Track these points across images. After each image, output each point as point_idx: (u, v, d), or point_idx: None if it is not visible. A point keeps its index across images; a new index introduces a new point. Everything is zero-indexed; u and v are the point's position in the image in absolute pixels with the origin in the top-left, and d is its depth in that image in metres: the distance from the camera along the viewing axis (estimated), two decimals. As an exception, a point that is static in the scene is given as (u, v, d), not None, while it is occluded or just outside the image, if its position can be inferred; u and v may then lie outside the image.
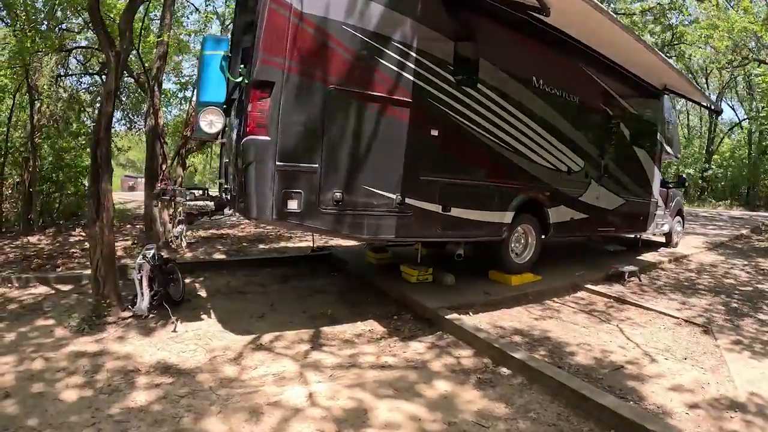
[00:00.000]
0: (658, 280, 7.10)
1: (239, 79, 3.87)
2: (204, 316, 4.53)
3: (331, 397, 3.06)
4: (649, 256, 8.71)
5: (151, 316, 4.37)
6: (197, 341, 3.89)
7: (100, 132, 4.17)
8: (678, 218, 9.68)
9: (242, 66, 3.93)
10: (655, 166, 8.01)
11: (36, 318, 4.37)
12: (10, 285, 5.38)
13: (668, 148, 8.71)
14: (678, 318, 5.17)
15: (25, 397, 2.97)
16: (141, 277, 4.20)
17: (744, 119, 24.92)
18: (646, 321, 5.10)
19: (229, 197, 4.52)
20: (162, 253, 6.52)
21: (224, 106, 4.06)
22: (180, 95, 11.48)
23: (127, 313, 4.30)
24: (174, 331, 4.09)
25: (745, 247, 10.81)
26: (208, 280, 5.82)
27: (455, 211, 4.71)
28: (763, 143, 11.18)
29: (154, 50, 8.07)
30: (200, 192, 4.53)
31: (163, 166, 7.68)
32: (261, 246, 8.33)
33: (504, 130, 5.08)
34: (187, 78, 12.79)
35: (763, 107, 10.92)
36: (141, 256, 4.28)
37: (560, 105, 5.80)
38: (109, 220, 4.25)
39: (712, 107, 9.10)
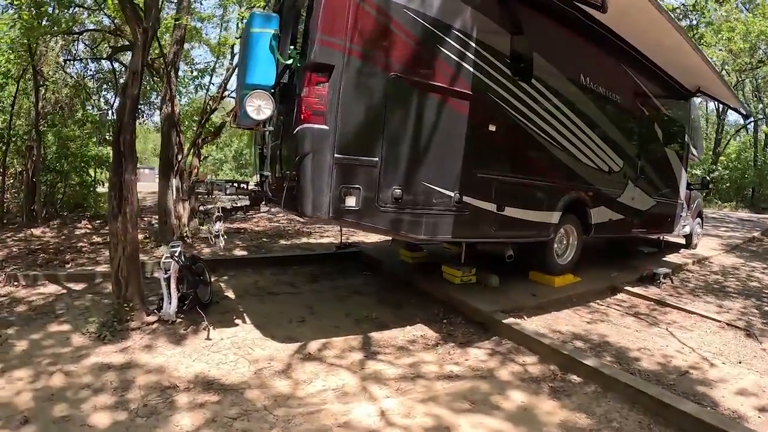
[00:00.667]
0: (689, 282, 7.21)
1: (290, 61, 3.69)
2: (238, 321, 4.19)
3: (406, 415, 2.91)
4: (673, 258, 8.86)
5: (178, 320, 4.05)
6: (236, 350, 3.63)
7: (124, 117, 3.84)
8: (698, 220, 9.90)
9: (291, 47, 3.77)
10: (682, 168, 8.17)
11: (49, 322, 4.02)
12: (16, 283, 4.97)
13: (693, 150, 8.90)
14: (720, 321, 5.26)
15: (47, 422, 2.59)
16: (168, 277, 3.92)
17: (750, 121, 25.38)
18: (691, 324, 5.17)
19: (267, 191, 4.35)
20: (191, 252, 6.41)
21: (272, 91, 3.73)
22: (196, 82, 11.14)
23: (152, 318, 4.01)
24: (207, 338, 3.80)
25: (760, 249, 11.01)
26: (234, 279, 5.63)
27: (508, 211, 4.65)
28: None
29: (171, 34, 7.83)
30: (237, 185, 4.42)
31: (179, 156, 7.50)
32: (282, 242, 8.16)
33: (554, 127, 5.05)
34: (203, 64, 12.47)
35: None
36: (167, 255, 3.97)
37: (603, 104, 5.82)
38: (134, 215, 3.94)
39: (743, 111, 9.26)
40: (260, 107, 3.62)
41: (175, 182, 7.44)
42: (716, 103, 8.84)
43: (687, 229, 9.23)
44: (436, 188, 4.02)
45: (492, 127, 4.39)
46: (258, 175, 5.05)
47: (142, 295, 4.23)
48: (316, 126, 3.39)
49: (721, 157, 26.12)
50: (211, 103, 8.81)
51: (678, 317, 5.39)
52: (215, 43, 9.88)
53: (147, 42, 4.26)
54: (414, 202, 3.86)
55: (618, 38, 5.73)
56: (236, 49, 9.07)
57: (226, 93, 9.36)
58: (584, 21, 5.11)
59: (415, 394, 3.21)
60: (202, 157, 8.80)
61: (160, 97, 9.18)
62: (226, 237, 4.15)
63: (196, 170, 8.03)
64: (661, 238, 9.06)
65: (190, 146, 8.38)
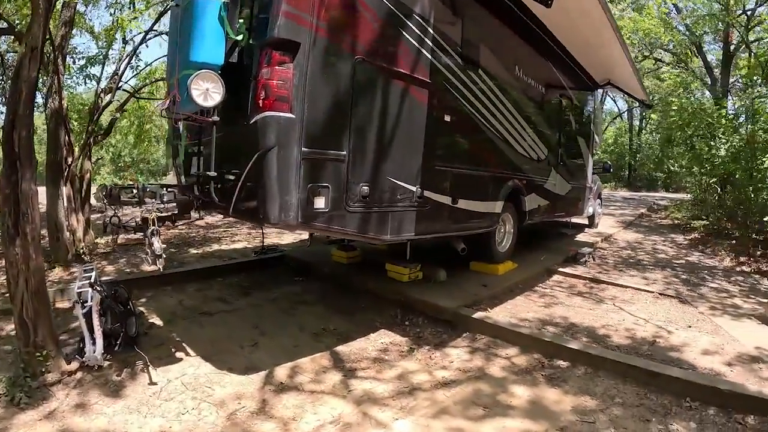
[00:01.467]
0: (607, 259, 8.42)
1: (239, 37, 3.53)
2: (180, 354, 3.89)
3: None
4: (583, 238, 10.31)
5: (107, 364, 3.60)
6: (193, 393, 3.31)
7: (19, 108, 3.16)
8: (598, 201, 11.79)
9: (241, 20, 3.54)
10: (589, 154, 9.86)
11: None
12: None
13: (597, 138, 10.74)
14: (653, 292, 6.25)
15: None
16: (88, 311, 3.43)
17: (625, 110, 30.99)
18: (630, 297, 6.04)
19: (212, 194, 4.00)
20: (109, 277, 5.58)
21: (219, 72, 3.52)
22: (84, 72, 10.05)
23: (74, 365, 3.50)
24: (151, 383, 3.41)
25: (652, 224, 13.34)
26: (154, 300, 5.24)
27: (461, 203, 5.03)
28: (668, 133, 14.49)
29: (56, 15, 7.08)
30: (170, 190, 3.96)
31: (69, 159, 6.93)
32: (192, 251, 7.73)
33: (496, 117, 5.63)
34: (89, 53, 11.63)
35: (672, 102, 14.15)
36: (81, 283, 3.48)
37: (532, 95, 6.69)
38: (36, 236, 3.32)
39: (647, 102, 11.27)
40: (208, 91, 3.32)
41: (65, 190, 6.87)
42: (623, 94, 10.71)
43: (590, 210, 10.84)
44: (400, 183, 4.14)
45: (447, 118, 4.71)
46: (180, 177, 4.67)
47: (56, 337, 3.57)
48: (280, 114, 3.27)
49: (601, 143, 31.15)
50: (102, 95, 8.21)
51: (616, 292, 6.24)
52: (105, 27, 9.16)
53: (50, 8, 3.62)
54: (380, 199, 3.96)
55: (545, 32, 6.61)
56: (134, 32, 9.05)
57: (122, 83, 8.84)
58: (518, 13, 5.78)
59: (423, 410, 3.21)
60: (94, 159, 8.35)
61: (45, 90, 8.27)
62: (164, 256, 3.67)
63: (88, 175, 7.52)
64: (569, 219, 10.49)
65: (82, 147, 7.60)
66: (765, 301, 5.85)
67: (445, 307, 4.81)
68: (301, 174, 3.36)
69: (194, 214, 4.11)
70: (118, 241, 7.42)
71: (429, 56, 4.34)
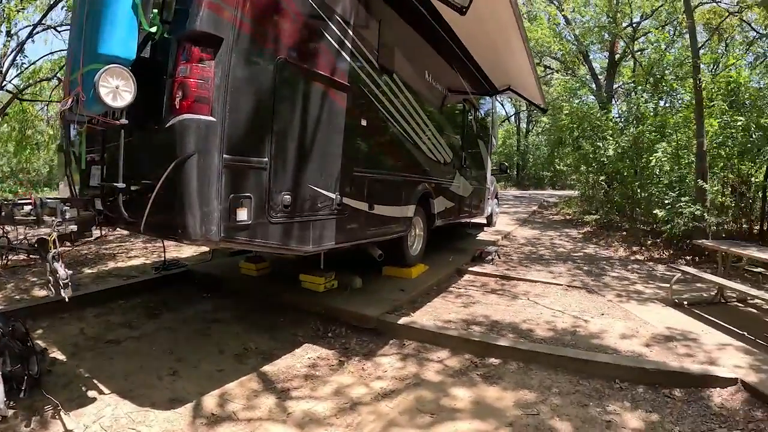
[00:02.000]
0: (511, 256, 9.15)
1: (153, 29, 3.32)
2: (93, 393, 3.55)
3: None
4: (485, 237, 11.09)
5: (11, 413, 3.16)
6: (122, 430, 3.11)
7: None
8: (495, 200, 12.89)
9: (155, 11, 3.34)
10: (488, 157, 10.91)
11: None
12: None
13: (494, 140, 11.87)
14: (562, 285, 6.94)
15: None
16: None
17: (513, 113, 34.42)
18: (542, 291, 6.64)
19: (106, 210, 3.78)
20: None
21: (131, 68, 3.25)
22: None
23: None
24: (67, 431, 3.07)
25: (545, 221, 14.77)
26: (51, 330, 4.77)
27: (377, 209, 5.24)
28: (558, 135, 16.47)
29: None
30: (72, 207, 3.59)
31: None
32: (87, 270, 7.03)
33: (408, 122, 5.98)
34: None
35: (563, 106, 15.95)
36: None
37: (440, 99, 7.29)
38: None
39: (543, 107, 12.56)
40: (118, 89, 3.06)
41: None
42: (521, 98, 11.95)
43: (489, 210, 11.77)
44: (320, 191, 4.19)
45: (364, 122, 4.91)
46: (73, 189, 4.19)
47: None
48: (200, 117, 3.16)
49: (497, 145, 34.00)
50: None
51: (527, 287, 6.81)
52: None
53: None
54: (302, 208, 3.99)
55: (453, 39, 7.22)
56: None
57: (5, 83, 7.72)
58: (430, 20, 6.22)
59: (370, 425, 3.25)
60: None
61: None
62: (71, 283, 3.28)
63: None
64: (471, 220, 11.24)
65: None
66: (664, 285, 6.75)
67: (369, 315, 4.91)
68: (222, 183, 3.27)
69: (95, 232, 3.76)
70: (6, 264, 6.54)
71: (348, 59, 4.49)
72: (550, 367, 4.14)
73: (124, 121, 3.29)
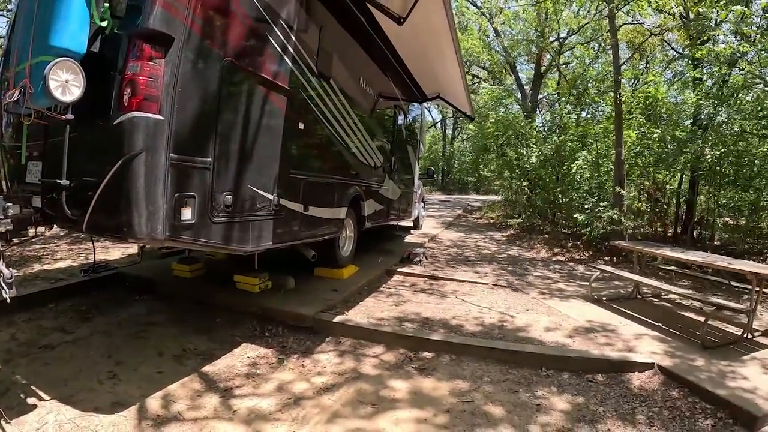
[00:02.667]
0: (438, 257, 9.50)
1: (104, 24, 3.33)
2: (32, 401, 3.43)
3: None
4: (411, 239, 11.40)
5: None
6: None
7: None
8: (422, 204, 13.40)
9: (106, 5, 3.33)
10: (416, 162, 11.42)
11: None
12: None
13: (421, 146, 12.40)
14: (488, 284, 7.35)
15: None
16: None
17: (439, 120, 37.33)
18: (469, 290, 6.99)
19: (46, 207, 3.72)
20: None
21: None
22: None
23: None
24: None
25: (470, 224, 15.40)
26: None
27: (312, 210, 5.43)
28: (484, 142, 17.41)
29: None
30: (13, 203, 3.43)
31: None
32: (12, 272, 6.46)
33: (342, 126, 6.21)
34: None
35: (489, 114, 16.78)
36: None
37: (372, 105, 7.60)
38: None
39: (471, 116, 13.12)
40: (68, 84, 3.05)
41: None
42: (450, 106, 12.46)
43: (416, 213, 12.14)
44: (259, 191, 4.33)
45: (301, 126, 5.09)
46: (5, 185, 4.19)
47: None
48: (149, 115, 3.22)
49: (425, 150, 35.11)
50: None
51: (455, 287, 7.14)
52: None
53: None
54: (242, 208, 4.13)
55: (388, 46, 7.57)
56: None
57: None
58: (367, 28, 6.47)
59: (316, 418, 3.39)
60: None
61: None
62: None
63: None
64: (398, 222, 11.56)
65: None
66: (584, 283, 7.30)
67: (304, 314, 5.04)
68: (168, 182, 3.34)
69: (30, 231, 3.64)
70: None
71: (290, 63, 4.65)
72: (481, 358, 4.45)
73: (70, 116, 3.28)
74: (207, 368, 4.13)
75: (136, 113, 3.18)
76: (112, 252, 8.06)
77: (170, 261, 6.86)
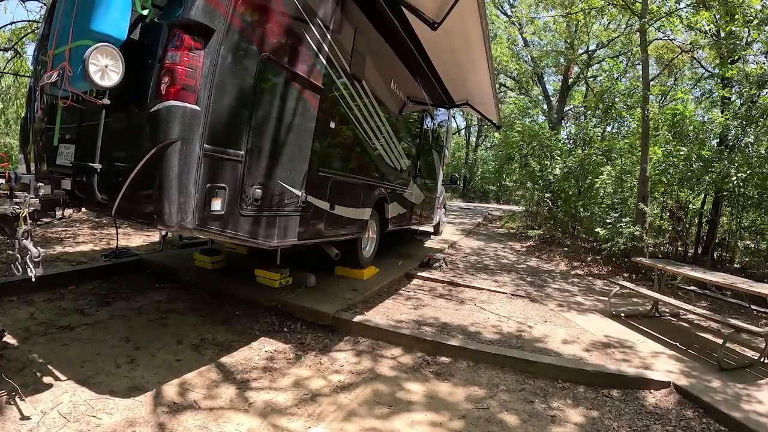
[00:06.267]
0: (457, 264, 9.50)
1: (145, 12, 3.40)
2: (48, 380, 3.49)
3: None
4: (431, 244, 11.42)
5: None
6: (78, 426, 3.02)
7: None
8: (443, 210, 13.39)
9: None
10: (441, 167, 11.46)
11: None
12: None
13: (447, 152, 12.44)
14: (506, 293, 7.34)
15: None
16: None
17: (464, 127, 36.91)
18: (488, 298, 7.00)
19: (77, 190, 3.79)
20: None
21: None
22: None
23: None
24: (23, 417, 3.02)
25: (490, 233, 15.36)
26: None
27: (338, 209, 5.50)
28: (508, 152, 17.50)
29: None
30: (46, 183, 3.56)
31: None
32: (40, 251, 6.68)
33: (372, 127, 6.28)
34: None
35: (515, 124, 16.86)
36: None
37: (401, 108, 7.65)
38: None
39: (498, 124, 13.12)
40: (107, 68, 3.10)
41: None
42: (477, 113, 12.45)
43: (437, 218, 12.17)
44: (288, 187, 4.38)
45: (332, 125, 5.16)
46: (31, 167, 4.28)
47: None
48: (186, 105, 3.26)
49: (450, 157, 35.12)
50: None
51: (473, 294, 7.16)
52: None
53: None
54: (271, 203, 4.17)
55: (420, 51, 7.66)
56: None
57: None
58: (400, 31, 6.52)
59: (332, 415, 3.43)
60: None
61: None
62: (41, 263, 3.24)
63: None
64: (419, 227, 11.60)
65: None
66: (603, 298, 7.27)
67: (324, 312, 5.09)
68: (201, 173, 3.39)
69: (58, 213, 3.76)
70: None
71: (324, 63, 4.70)
72: (498, 366, 4.47)
73: (106, 101, 3.35)
74: (225, 359, 4.19)
75: (173, 102, 3.22)
76: (134, 239, 8.20)
77: (191, 251, 6.94)
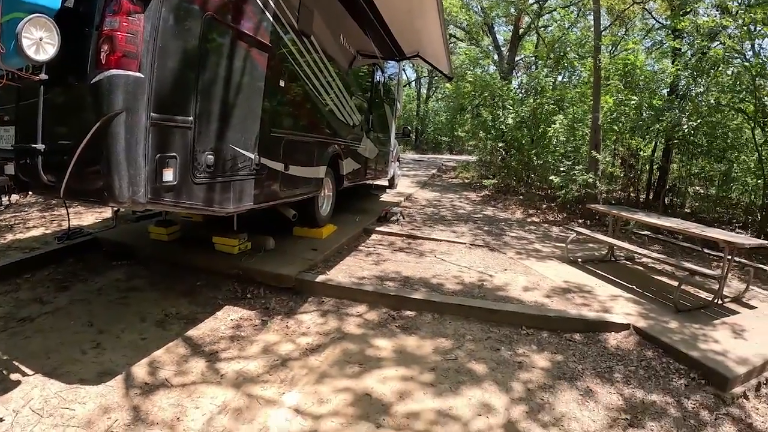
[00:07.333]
0: (414, 216, 9.52)
1: None
2: (15, 376, 3.34)
3: (320, 401, 3.18)
4: (387, 198, 11.38)
5: None
6: (52, 420, 2.91)
7: None
8: (397, 163, 13.38)
9: None
10: (393, 120, 11.34)
11: None
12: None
13: (398, 105, 12.34)
14: (465, 243, 7.42)
15: None
16: None
17: (414, 79, 37.47)
18: (447, 249, 7.04)
19: (20, 174, 3.61)
20: None
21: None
22: None
23: None
24: None
25: (445, 183, 15.46)
26: None
27: (292, 169, 5.37)
28: (460, 102, 17.34)
29: None
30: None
31: None
32: None
33: (322, 84, 6.09)
34: None
35: (467, 74, 16.63)
36: None
37: (351, 63, 7.45)
38: None
39: (449, 75, 12.93)
40: (42, 42, 2.90)
41: None
42: (428, 65, 12.26)
43: (391, 172, 12.11)
44: (240, 150, 4.24)
45: (282, 83, 4.98)
46: None
47: None
48: (128, 73, 3.09)
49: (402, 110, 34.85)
50: None
51: (432, 246, 7.19)
52: None
53: None
54: (223, 168, 4.05)
55: (369, 3, 7.54)
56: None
57: None
58: None
59: (304, 379, 3.41)
60: None
61: None
62: None
63: None
64: (374, 181, 11.54)
65: None
66: (560, 244, 7.44)
67: (286, 274, 5.02)
68: (149, 143, 3.25)
69: (4, 200, 3.51)
70: None
71: (270, 18, 4.53)
72: (462, 317, 4.54)
73: (44, 76, 3.14)
74: (191, 332, 4.11)
75: (114, 71, 3.06)
76: (86, 217, 7.85)
77: (146, 224, 6.71)
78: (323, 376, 3.46)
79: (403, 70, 24.72)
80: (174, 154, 3.48)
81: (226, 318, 4.39)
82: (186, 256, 5.72)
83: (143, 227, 6.69)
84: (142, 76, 3.15)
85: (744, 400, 3.47)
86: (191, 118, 3.61)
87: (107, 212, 7.70)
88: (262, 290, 4.99)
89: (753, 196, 10.40)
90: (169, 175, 3.44)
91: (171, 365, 3.58)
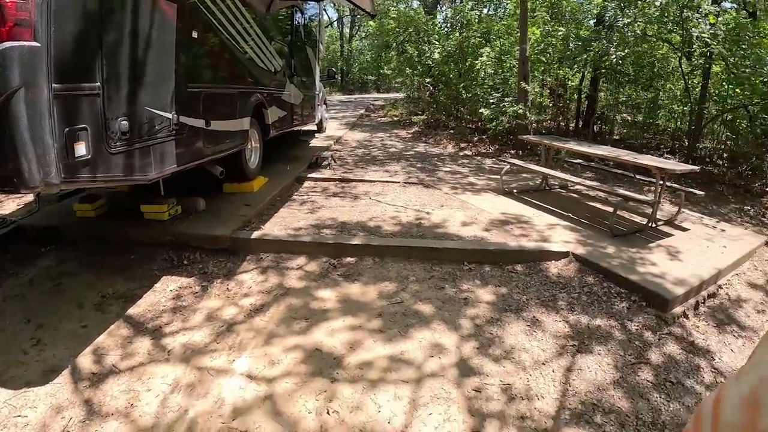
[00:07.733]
0: (346, 159, 9.33)
1: None
2: None
3: (271, 363, 3.12)
4: (317, 143, 11.08)
5: None
6: (6, 430, 2.77)
7: None
8: (324, 106, 12.97)
9: None
10: (317, 63, 10.90)
11: None
12: None
13: (321, 47, 11.81)
14: (399, 182, 7.34)
15: None
16: None
17: (336, 19, 37.07)
18: (382, 190, 6.93)
19: None
20: None
21: None
22: None
23: None
24: None
25: (374, 123, 15.22)
26: None
27: (214, 125, 5.10)
28: (385, 40, 16.84)
29: None
30: None
31: None
32: None
33: (239, 31, 5.73)
34: None
35: (389, 11, 16.06)
36: None
37: (267, 5, 7.01)
38: None
39: (372, 13, 12.29)
40: None
41: None
42: (350, 3, 11.60)
43: (319, 116, 11.75)
44: (156, 112, 3.98)
45: (195, 34, 4.65)
46: None
47: None
48: (22, 44, 2.85)
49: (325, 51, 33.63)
50: None
51: (366, 187, 7.07)
52: None
53: None
54: (140, 133, 3.83)
55: None
56: None
57: None
58: None
59: (252, 342, 3.30)
60: None
61: None
62: None
63: None
64: (302, 127, 11.19)
65: None
66: (494, 176, 7.50)
67: (220, 235, 4.81)
68: (55, 118, 3.02)
69: None
70: None
71: None
72: (404, 258, 4.49)
73: None
74: (131, 311, 3.91)
75: (6, 43, 2.82)
76: (6, 205, 7.16)
77: (71, 202, 6.21)
78: (271, 336, 3.36)
79: (324, 10, 23.86)
80: (84, 125, 3.24)
81: (165, 289, 4.18)
82: (116, 231, 5.38)
83: (68, 206, 6.23)
84: (39, 45, 2.90)
85: (684, 320, 3.63)
86: (98, 83, 3.35)
87: (29, 196, 7.08)
88: (198, 254, 4.75)
89: (679, 122, 10.81)
90: (81, 149, 3.20)
91: (116, 349, 3.40)
